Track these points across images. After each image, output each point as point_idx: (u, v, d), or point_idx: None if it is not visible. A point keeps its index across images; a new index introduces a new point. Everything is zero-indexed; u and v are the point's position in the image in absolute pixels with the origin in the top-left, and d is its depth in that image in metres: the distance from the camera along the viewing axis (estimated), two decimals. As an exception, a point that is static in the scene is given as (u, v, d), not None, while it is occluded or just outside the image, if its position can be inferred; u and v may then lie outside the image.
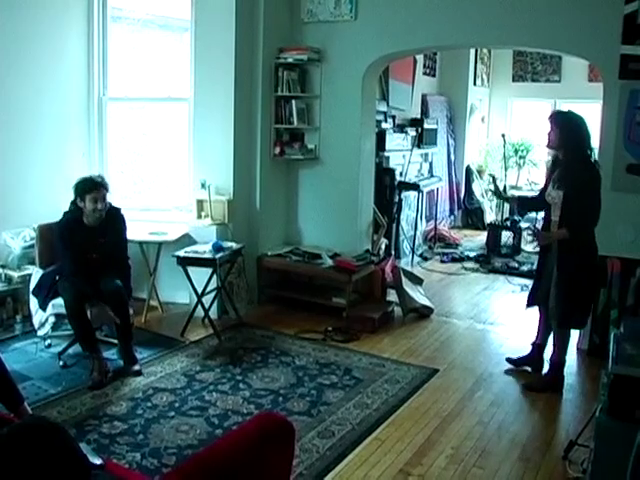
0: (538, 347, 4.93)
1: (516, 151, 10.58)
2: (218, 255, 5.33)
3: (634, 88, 4.94)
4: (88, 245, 4.62)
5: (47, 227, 5.08)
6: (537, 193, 4.97)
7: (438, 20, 5.69)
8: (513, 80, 11.00)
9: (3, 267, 5.38)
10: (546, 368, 4.81)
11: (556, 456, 3.62)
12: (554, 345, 4.66)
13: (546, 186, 4.69)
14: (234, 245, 5.64)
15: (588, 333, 5.27)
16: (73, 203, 4.69)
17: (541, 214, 5.19)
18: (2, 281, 5.31)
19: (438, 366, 4.95)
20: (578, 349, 5.36)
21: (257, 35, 5.94)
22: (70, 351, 4.88)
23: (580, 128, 4.44)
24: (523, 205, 6.13)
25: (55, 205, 5.60)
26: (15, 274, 5.36)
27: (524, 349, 5.20)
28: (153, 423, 3.91)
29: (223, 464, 1.90)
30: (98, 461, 2.42)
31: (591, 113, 9.92)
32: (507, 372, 4.93)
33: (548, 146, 4.68)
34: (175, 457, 3.53)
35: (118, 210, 4.91)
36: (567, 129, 4.45)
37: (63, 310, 4.70)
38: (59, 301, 4.67)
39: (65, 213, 4.76)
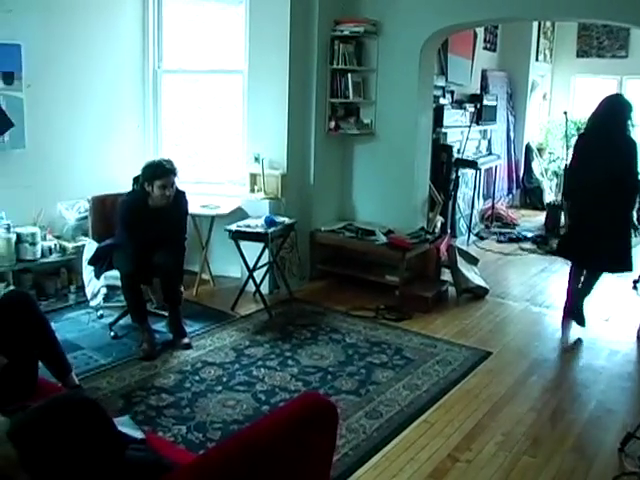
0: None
1: (578, 129, 10.23)
2: (270, 230, 5.28)
3: None
4: (149, 226, 4.60)
5: (101, 199, 5.11)
6: None
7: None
8: (577, 56, 10.63)
9: (58, 238, 5.44)
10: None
11: (612, 448, 3.48)
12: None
13: None
14: (287, 220, 5.59)
15: (650, 320, 5.07)
16: (140, 185, 4.65)
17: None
18: (57, 252, 5.35)
19: (491, 349, 4.83)
20: (638, 337, 5.16)
21: (313, 7, 5.82)
22: (121, 322, 4.92)
23: None
24: None
25: (109, 177, 5.67)
26: (69, 245, 5.40)
27: (581, 333, 5.06)
28: (200, 397, 3.90)
29: (264, 444, 1.84)
30: (140, 435, 2.41)
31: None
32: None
33: None
34: (220, 432, 3.52)
35: (183, 194, 4.86)
36: None
37: (115, 282, 4.75)
38: (111, 273, 4.71)
39: (129, 193, 4.76)
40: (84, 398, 1.60)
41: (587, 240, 5.05)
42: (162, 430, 3.50)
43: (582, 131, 5.35)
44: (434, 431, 3.63)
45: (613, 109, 5.04)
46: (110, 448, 1.56)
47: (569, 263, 5.51)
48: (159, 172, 4.57)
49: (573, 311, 5.37)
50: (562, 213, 5.27)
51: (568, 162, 5.31)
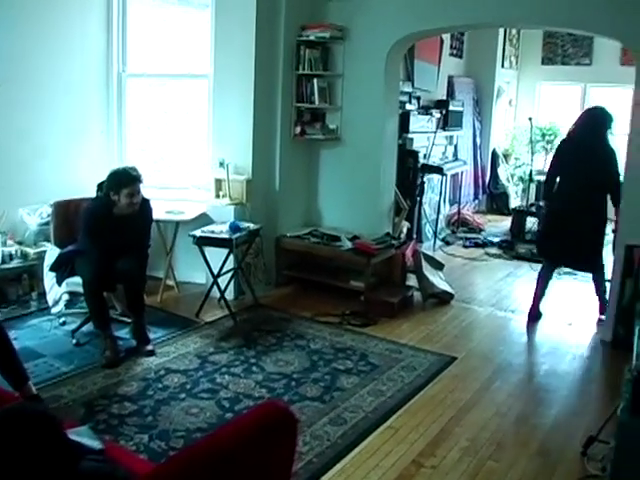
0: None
1: (543, 135, 10.36)
2: (235, 235, 5.25)
3: (669, 71, 4.76)
4: (113, 234, 4.52)
5: (63, 204, 5.04)
6: None
7: (465, -1, 5.52)
8: (542, 63, 10.76)
9: (19, 243, 5.36)
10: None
11: (575, 452, 3.50)
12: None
13: None
14: (252, 225, 5.55)
15: (612, 325, 5.13)
16: (105, 193, 4.58)
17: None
18: (18, 257, 5.27)
19: (456, 354, 4.84)
20: (602, 341, 5.22)
21: (279, 12, 5.80)
22: (84, 329, 4.83)
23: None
24: None
25: (72, 182, 5.59)
26: (31, 250, 5.33)
27: (545, 338, 5.11)
28: (163, 405, 3.85)
29: (224, 453, 1.82)
30: (98, 445, 2.36)
31: (623, 98, 9.73)
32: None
33: None
34: (183, 440, 3.47)
35: (148, 202, 4.81)
36: None
37: (77, 288, 4.68)
38: (73, 279, 4.65)
39: (94, 200, 4.69)
40: (34, 410, 1.56)
41: (565, 241, 5.39)
42: (124, 439, 3.45)
43: (564, 137, 5.67)
44: (399, 437, 3.62)
45: (595, 120, 5.41)
46: (62, 460, 1.52)
47: (534, 268, 5.63)
48: (125, 180, 4.51)
49: (536, 313, 5.67)
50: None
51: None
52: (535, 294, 5.69)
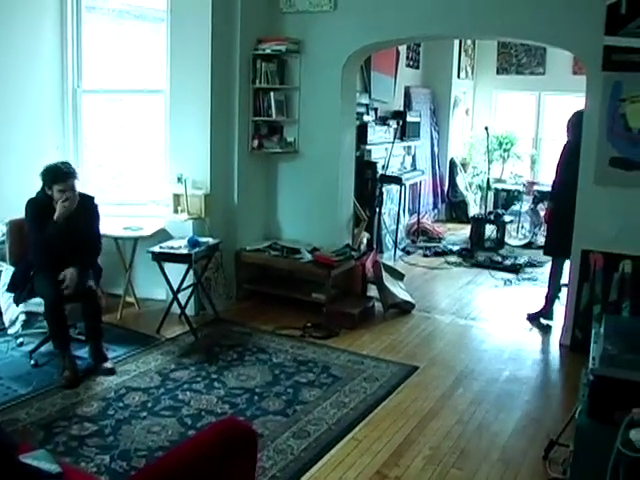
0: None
1: (500, 144, 10.49)
2: (194, 250, 5.21)
3: (617, 80, 4.85)
4: (58, 232, 4.47)
5: (18, 223, 4.92)
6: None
7: (420, 10, 5.57)
8: (497, 72, 10.91)
9: (-27, 263, 5.24)
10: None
11: (536, 456, 3.54)
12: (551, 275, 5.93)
13: None
14: (211, 240, 5.53)
15: (570, 328, 5.21)
16: (42, 190, 4.56)
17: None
18: (-28, 277, 5.15)
19: (418, 363, 4.86)
20: (560, 344, 5.31)
21: (234, 25, 5.79)
22: (42, 350, 4.74)
23: (578, 122, 5.40)
24: None
25: (26, 200, 5.47)
26: (-15, 271, 5.21)
27: (506, 344, 5.17)
28: (124, 424, 3.80)
29: (182, 471, 1.80)
30: (56, 469, 2.31)
31: (575, 106, 9.93)
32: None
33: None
34: (145, 459, 3.42)
35: (92, 198, 4.79)
36: (570, 123, 5.65)
37: (34, 308, 4.62)
38: (32, 299, 4.57)
39: (35, 195, 4.64)
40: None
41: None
42: (84, 460, 3.39)
43: (565, 142, 5.81)
44: (362, 448, 3.62)
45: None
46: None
47: (494, 275, 5.72)
48: (57, 176, 4.50)
49: (548, 312, 5.88)
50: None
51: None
52: (548, 297, 5.89)
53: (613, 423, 2.35)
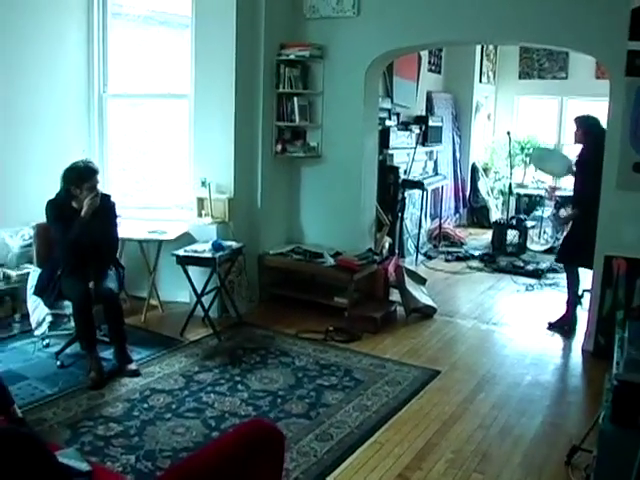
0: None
1: (522, 149, 10.48)
2: (217, 254, 5.27)
3: (641, 85, 4.84)
4: (83, 230, 4.54)
5: (46, 226, 5.01)
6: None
7: (442, 15, 5.60)
8: (519, 77, 10.90)
9: (1, 266, 5.33)
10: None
11: (559, 461, 3.53)
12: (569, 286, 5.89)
13: None
14: (234, 244, 5.58)
15: (593, 334, 5.19)
16: (65, 190, 4.64)
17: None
18: (0, 280, 5.25)
19: (440, 367, 4.88)
20: (583, 350, 5.29)
21: (258, 31, 5.86)
22: (68, 351, 4.81)
23: (597, 128, 5.56)
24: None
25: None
26: (13, 273, 5.30)
27: (528, 349, 5.17)
28: (149, 425, 3.84)
29: (208, 472, 1.83)
30: (86, 467, 2.37)
31: (599, 110, 9.87)
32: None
33: (575, 142, 5.88)
34: (170, 460, 3.47)
35: (109, 197, 4.88)
36: (585, 128, 5.68)
37: (60, 310, 4.68)
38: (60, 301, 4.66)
39: (51, 200, 4.71)
40: (20, 433, 1.56)
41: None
42: (110, 460, 3.44)
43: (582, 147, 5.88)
44: (385, 452, 3.64)
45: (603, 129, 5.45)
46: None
47: (516, 280, 5.77)
48: (87, 174, 4.60)
49: (571, 320, 5.84)
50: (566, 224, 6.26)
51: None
52: (569, 303, 5.86)
53: (637, 428, 2.36)
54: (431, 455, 3.61)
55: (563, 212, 9.17)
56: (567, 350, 5.40)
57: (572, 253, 5.71)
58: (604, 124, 5.38)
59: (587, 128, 5.66)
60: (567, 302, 5.85)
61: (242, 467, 1.89)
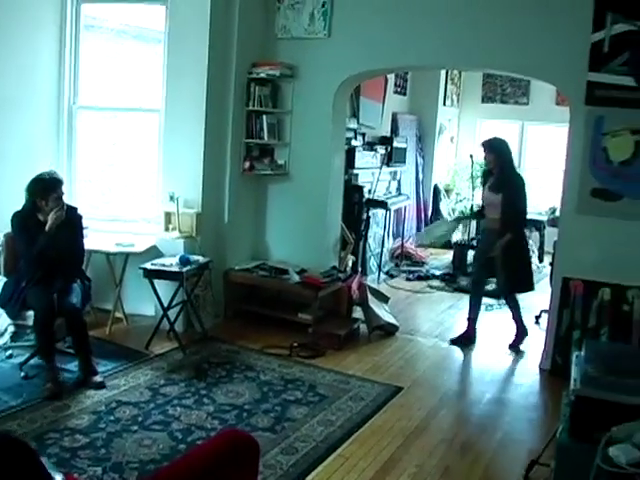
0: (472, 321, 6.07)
1: (484, 172, 10.60)
2: (185, 269, 5.31)
3: (599, 115, 5.04)
4: (49, 243, 4.57)
5: (13, 236, 5.01)
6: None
7: (411, 41, 5.74)
8: (482, 101, 11.16)
9: (-34, 275, 5.28)
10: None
11: (517, 475, 3.64)
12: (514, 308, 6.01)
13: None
14: (201, 259, 5.62)
15: (551, 353, 5.35)
16: (31, 202, 4.65)
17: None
18: (-36, 289, 5.20)
19: (402, 384, 4.97)
20: (541, 369, 5.44)
21: (230, 49, 5.94)
22: (32, 362, 4.79)
23: (507, 148, 5.91)
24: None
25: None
26: (-22, 282, 5.25)
27: (488, 368, 5.30)
28: (115, 437, 3.86)
29: (187, 481, 1.89)
30: (59, 477, 2.39)
31: (558, 136, 10.15)
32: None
33: (487, 166, 6.11)
34: (137, 472, 3.49)
35: (75, 209, 4.90)
36: (498, 151, 5.81)
37: (23, 321, 4.67)
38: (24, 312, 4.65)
39: (17, 212, 4.73)
40: (13, 438, 1.61)
41: None
42: (77, 472, 3.44)
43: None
44: (349, 465, 3.72)
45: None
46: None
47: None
48: (52, 185, 4.63)
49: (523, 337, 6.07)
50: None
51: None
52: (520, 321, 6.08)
53: (593, 441, 2.47)
54: (395, 469, 3.70)
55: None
56: (525, 369, 5.53)
57: (517, 281, 5.87)
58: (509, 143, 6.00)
59: (498, 151, 5.80)
60: (516, 319, 6.05)
61: (219, 475, 1.95)
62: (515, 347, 5.95)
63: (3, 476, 1.50)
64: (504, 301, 6.23)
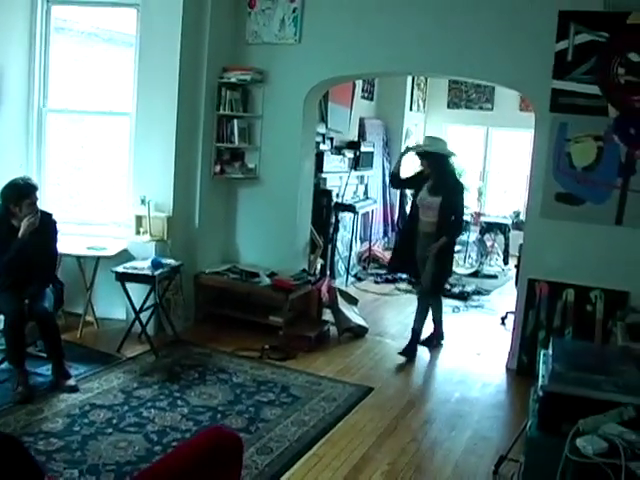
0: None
1: (449, 175, 10.83)
2: (157, 272, 5.33)
3: (563, 121, 5.20)
4: (22, 250, 4.56)
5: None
6: (410, 176, 6.38)
7: (378, 48, 5.84)
8: (448, 107, 11.32)
9: None
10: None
11: (487, 471, 3.76)
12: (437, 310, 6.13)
13: (415, 177, 6.16)
14: (173, 262, 5.65)
15: (517, 353, 5.48)
16: (4, 207, 4.64)
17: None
18: None
19: (373, 384, 5.06)
20: (507, 369, 5.57)
21: (202, 53, 5.97)
22: (3, 366, 4.76)
23: (444, 150, 5.85)
24: (396, 179, 6.35)
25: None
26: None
27: (455, 368, 5.42)
28: (90, 439, 3.88)
29: (173, 479, 1.93)
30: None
31: (521, 141, 10.37)
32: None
33: (425, 171, 5.88)
34: (114, 474, 3.52)
35: (50, 215, 4.90)
36: (431, 156, 5.74)
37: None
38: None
39: None
40: (4, 434, 1.64)
41: None
42: (54, 474, 3.45)
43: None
44: (323, 464, 3.79)
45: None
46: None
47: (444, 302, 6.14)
48: (26, 190, 4.62)
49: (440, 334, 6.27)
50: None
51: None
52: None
53: (561, 435, 2.58)
54: (368, 467, 3.78)
55: (488, 237, 9.62)
56: (492, 369, 5.65)
57: (440, 284, 6.10)
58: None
59: (431, 158, 5.72)
60: (435, 321, 6.19)
61: (206, 472, 2.00)
62: (427, 343, 6.10)
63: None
64: (430, 301, 6.05)
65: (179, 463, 1.97)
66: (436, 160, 5.70)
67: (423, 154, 5.86)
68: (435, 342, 6.13)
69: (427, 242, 5.73)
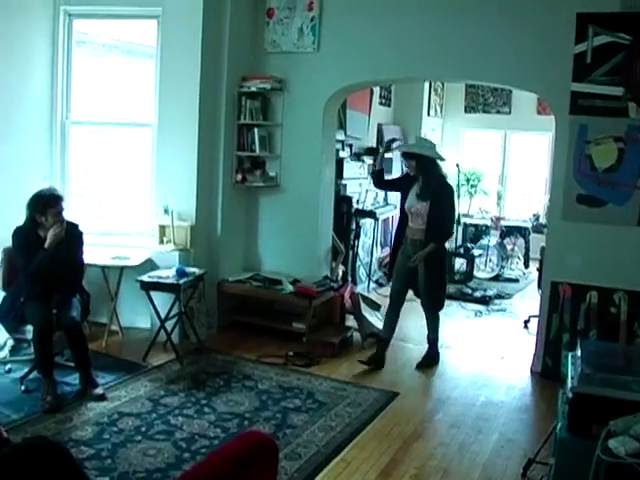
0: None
1: (467, 180, 10.86)
2: (182, 280, 5.38)
3: (583, 123, 5.20)
4: (48, 260, 4.62)
5: (11, 250, 5.06)
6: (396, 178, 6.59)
7: (396, 54, 5.88)
8: (465, 111, 11.33)
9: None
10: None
11: (515, 474, 3.76)
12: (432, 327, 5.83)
13: (400, 180, 6.20)
14: (197, 271, 5.69)
15: (541, 356, 5.47)
16: (30, 218, 4.70)
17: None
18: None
19: (398, 389, 5.07)
20: (532, 372, 5.56)
21: (221, 63, 6.04)
22: (32, 376, 4.82)
23: (432, 152, 5.62)
24: (378, 178, 6.09)
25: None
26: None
27: (480, 372, 5.41)
28: (120, 447, 3.92)
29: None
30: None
31: (539, 144, 10.36)
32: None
33: (411, 174, 5.62)
34: (144, 480, 3.56)
35: (76, 226, 4.96)
36: (419, 157, 5.50)
37: (22, 335, 4.71)
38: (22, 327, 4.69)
39: (18, 227, 4.78)
40: (51, 442, 1.67)
41: None
42: (85, 481, 3.50)
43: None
44: (351, 469, 3.80)
45: None
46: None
47: (464, 306, 6.04)
48: (52, 200, 4.69)
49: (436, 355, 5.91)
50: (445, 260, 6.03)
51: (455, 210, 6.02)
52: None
53: (591, 436, 2.59)
54: (396, 471, 3.79)
55: (508, 241, 9.59)
56: (516, 372, 5.64)
57: (439, 299, 5.84)
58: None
59: (420, 159, 5.47)
60: (429, 340, 5.86)
61: (242, 476, 2.03)
62: (423, 365, 5.70)
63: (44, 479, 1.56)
64: (426, 315, 5.86)
65: (216, 469, 1.99)
66: (424, 162, 5.46)
67: (411, 154, 5.59)
68: (427, 363, 5.72)
69: (415, 251, 5.54)
